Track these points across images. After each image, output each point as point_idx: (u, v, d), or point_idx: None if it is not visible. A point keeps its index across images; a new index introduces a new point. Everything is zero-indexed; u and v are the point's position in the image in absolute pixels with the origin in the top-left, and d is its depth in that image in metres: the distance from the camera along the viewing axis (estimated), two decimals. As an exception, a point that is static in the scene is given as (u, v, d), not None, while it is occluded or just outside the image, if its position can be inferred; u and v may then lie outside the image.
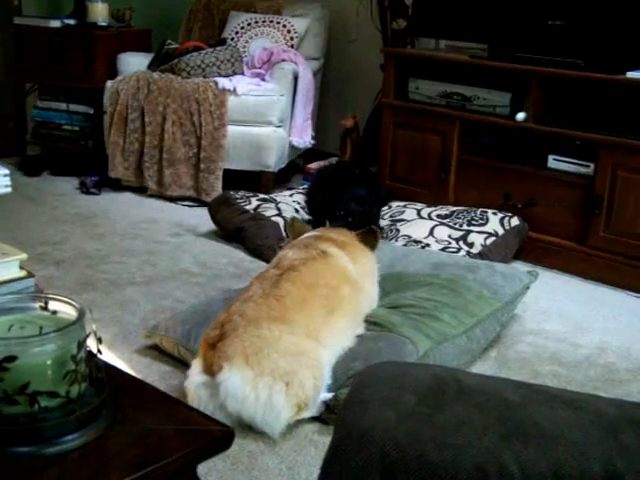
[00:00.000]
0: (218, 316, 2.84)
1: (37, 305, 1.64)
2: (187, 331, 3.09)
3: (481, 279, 3.50)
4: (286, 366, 2.62)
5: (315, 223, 4.19)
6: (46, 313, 1.61)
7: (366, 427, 1.34)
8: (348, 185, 4.45)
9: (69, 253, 4.30)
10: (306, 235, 3.33)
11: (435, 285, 3.43)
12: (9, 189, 1.69)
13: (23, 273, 1.90)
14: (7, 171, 1.69)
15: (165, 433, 1.54)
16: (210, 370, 2.64)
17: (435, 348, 3.03)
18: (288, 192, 5.00)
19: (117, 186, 5.53)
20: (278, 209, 4.58)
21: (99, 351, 1.60)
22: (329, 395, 2.75)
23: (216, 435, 1.56)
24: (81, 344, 1.51)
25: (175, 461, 1.47)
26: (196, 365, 2.70)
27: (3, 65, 6.42)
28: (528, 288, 3.61)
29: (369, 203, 4.38)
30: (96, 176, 5.50)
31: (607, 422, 1.27)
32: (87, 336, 1.54)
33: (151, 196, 5.42)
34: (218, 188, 5.19)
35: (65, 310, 1.60)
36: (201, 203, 5.24)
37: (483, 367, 3.22)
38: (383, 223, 4.52)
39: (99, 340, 1.58)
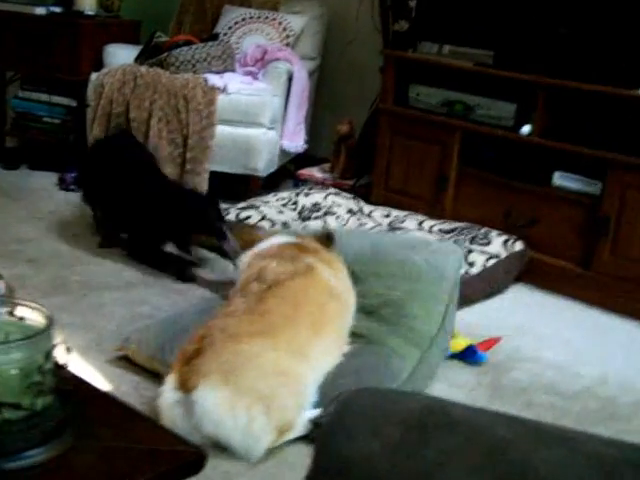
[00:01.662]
0: (196, 330, 2.80)
1: (3, 310, 1.61)
2: (161, 344, 3.06)
3: (426, 259, 3.49)
4: (266, 386, 2.59)
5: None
6: (12, 319, 1.59)
7: (347, 458, 1.32)
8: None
9: (43, 252, 4.26)
10: (282, 242, 3.27)
11: (386, 276, 3.41)
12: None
13: (-10, 275, 1.88)
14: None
15: (132, 453, 1.52)
16: (185, 387, 2.59)
17: (423, 356, 3.09)
18: (273, 196, 4.91)
19: (98, 184, 5.48)
20: (261, 213, 4.53)
21: (67, 362, 1.57)
22: (316, 411, 2.72)
23: (187, 458, 1.53)
24: (49, 354, 1.49)
25: (142, 483, 1.45)
26: (170, 381, 2.65)
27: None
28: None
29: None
30: (75, 172, 5.46)
31: (605, 464, 1.25)
32: (55, 346, 1.52)
33: (132, 196, 5.38)
34: (203, 191, 5.15)
35: (33, 317, 1.57)
36: (184, 206, 5.20)
37: (475, 395, 3.19)
38: (382, 228, 4.48)
39: (68, 350, 1.56)
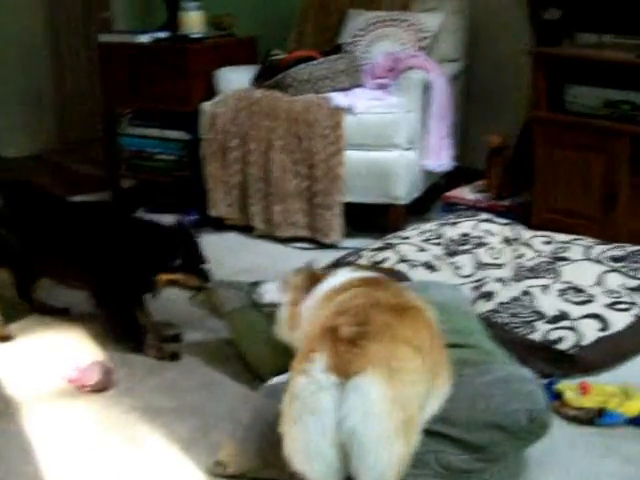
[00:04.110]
0: (345, 309, 2.62)
1: None
2: (260, 452, 2.83)
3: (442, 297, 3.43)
4: (413, 413, 2.42)
5: None
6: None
7: None
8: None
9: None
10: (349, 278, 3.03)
11: None
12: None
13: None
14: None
15: None
16: (344, 371, 2.37)
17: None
18: (414, 230, 4.69)
19: (220, 225, 5.50)
20: (398, 253, 4.35)
21: None
22: None
23: None
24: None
25: None
26: (320, 360, 2.41)
27: (93, 88, 6.54)
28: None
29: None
30: (195, 215, 5.47)
31: None
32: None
33: (259, 237, 5.38)
34: (337, 226, 5.11)
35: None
36: (317, 244, 5.18)
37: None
38: (542, 258, 4.28)
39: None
